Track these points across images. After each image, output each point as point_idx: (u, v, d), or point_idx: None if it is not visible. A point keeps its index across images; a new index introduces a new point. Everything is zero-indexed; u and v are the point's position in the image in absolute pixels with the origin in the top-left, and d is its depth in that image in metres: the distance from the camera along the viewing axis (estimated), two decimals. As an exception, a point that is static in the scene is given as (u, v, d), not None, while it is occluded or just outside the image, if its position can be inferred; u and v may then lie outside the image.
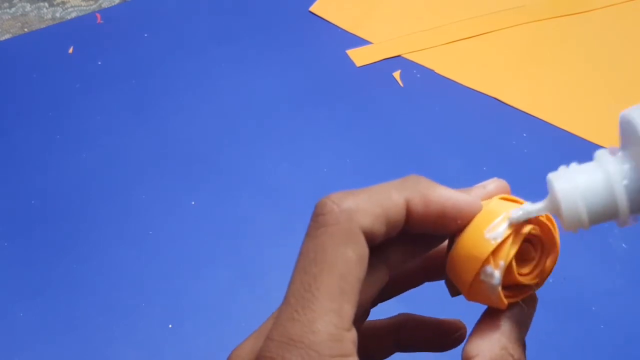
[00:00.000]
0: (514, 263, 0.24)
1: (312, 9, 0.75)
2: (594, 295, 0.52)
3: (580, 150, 0.61)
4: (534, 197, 0.25)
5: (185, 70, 0.70)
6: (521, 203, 0.25)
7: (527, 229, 0.24)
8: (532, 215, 0.24)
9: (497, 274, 0.23)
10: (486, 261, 0.24)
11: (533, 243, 0.25)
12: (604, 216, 0.23)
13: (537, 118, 0.64)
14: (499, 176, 0.27)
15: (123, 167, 0.62)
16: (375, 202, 0.23)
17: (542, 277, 0.25)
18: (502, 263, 0.23)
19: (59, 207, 0.59)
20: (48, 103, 0.67)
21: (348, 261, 0.22)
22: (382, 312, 0.29)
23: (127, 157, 0.63)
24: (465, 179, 0.61)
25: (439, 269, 0.27)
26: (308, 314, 0.21)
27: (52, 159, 0.63)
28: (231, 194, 0.59)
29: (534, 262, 0.25)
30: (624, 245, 0.54)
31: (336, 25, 0.73)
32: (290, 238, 0.56)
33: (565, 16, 0.73)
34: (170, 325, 0.51)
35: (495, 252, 0.23)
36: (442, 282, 0.28)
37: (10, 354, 0.50)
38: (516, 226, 0.24)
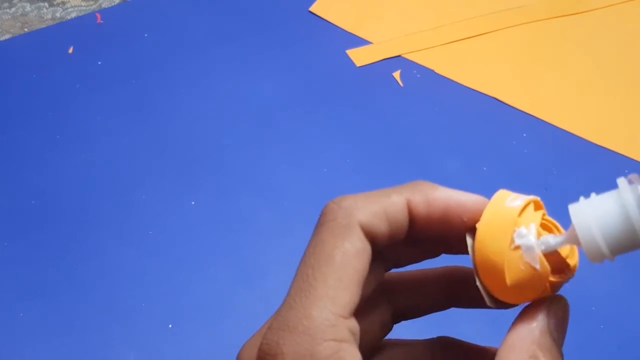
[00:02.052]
0: (542, 231, 0.23)
1: (312, 9, 0.75)
2: (594, 295, 0.52)
3: (581, 150, 0.62)
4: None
5: (185, 70, 0.70)
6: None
7: (537, 205, 0.23)
8: (555, 248, 0.23)
9: (533, 231, 0.22)
10: (516, 224, 0.22)
11: (550, 230, 0.24)
12: (626, 246, 0.22)
13: (537, 118, 0.64)
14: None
15: (123, 167, 0.62)
16: (373, 201, 0.24)
17: (574, 261, 0.23)
18: (532, 225, 0.22)
19: (59, 207, 0.59)
20: (48, 103, 0.67)
21: (345, 253, 0.22)
22: (413, 332, 0.28)
23: (127, 157, 0.63)
24: (465, 179, 0.61)
25: (462, 288, 0.27)
26: (304, 302, 0.22)
27: (52, 159, 0.63)
28: (231, 194, 0.59)
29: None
30: None
31: (336, 25, 0.73)
32: (290, 238, 0.56)
33: (565, 16, 0.73)
34: (170, 325, 0.52)
35: (521, 217, 0.23)
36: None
37: (10, 354, 0.50)
38: (534, 202, 0.23)
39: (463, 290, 0.27)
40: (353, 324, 0.22)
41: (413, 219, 0.24)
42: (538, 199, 0.24)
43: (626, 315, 0.51)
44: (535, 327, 0.22)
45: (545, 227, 0.23)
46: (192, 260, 0.55)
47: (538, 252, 0.22)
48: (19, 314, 0.53)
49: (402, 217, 0.24)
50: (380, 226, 0.23)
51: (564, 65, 0.69)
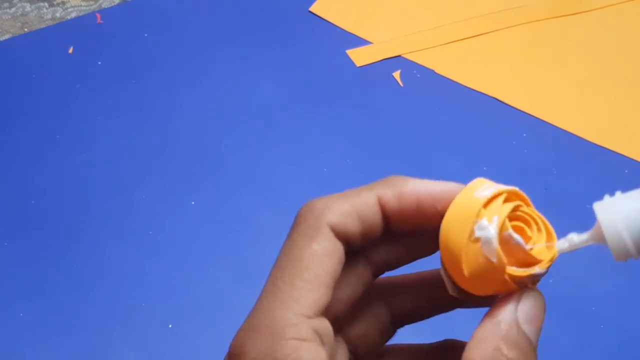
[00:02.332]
0: (508, 224, 0.22)
1: (312, 9, 0.75)
2: (594, 295, 0.52)
3: (581, 150, 0.62)
4: (531, 198, 0.25)
5: (185, 70, 0.70)
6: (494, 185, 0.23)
7: (513, 196, 0.23)
8: (578, 247, 0.23)
9: (493, 226, 0.22)
10: (478, 216, 0.22)
11: (526, 223, 0.23)
12: None
13: (537, 118, 0.64)
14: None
15: (123, 167, 0.62)
16: (344, 200, 0.24)
17: (548, 257, 0.23)
18: (495, 217, 0.22)
19: (59, 207, 0.59)
20: (48, 103, 0.67)
21: (313, 254, 0.23)
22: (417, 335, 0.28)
23: (127, 157, 0.63)
24: (465, 179, 0.61)
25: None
26: (270, 303, 0.22)
27: (52, 159, 0.63)
28: (231, 194, 0.59)
29: (532, 240, 0.23)
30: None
31: (336, 25, 0.73)
32: (290, 238, 0.56)
33: (565, 16, 0.73)
34: (170, 325, 0.52)
35: (487, 207, 0.22)
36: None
37: (10, 354, 0.50)
38: (507, 194, 0.23)
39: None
40: (320, 324, 0.22)
41: (386, 215, 0.24)
42: (516, 189, 0.23)
43: (626, 315, 0.51)
44: (501, 320, 0.22)
45: (519, 219, 0.23)
46: (192, 260, 0.55)
47: (496, 246, 0.22)
48: (19, 314, 0.53)
49: (373, 214, 0.24)
50: (352, 225, 0.24)
51: (564, 65, 0.69)
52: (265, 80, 0.68)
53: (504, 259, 0.22)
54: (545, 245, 0.23)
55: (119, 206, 0.59)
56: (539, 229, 0.23)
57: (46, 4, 0.78)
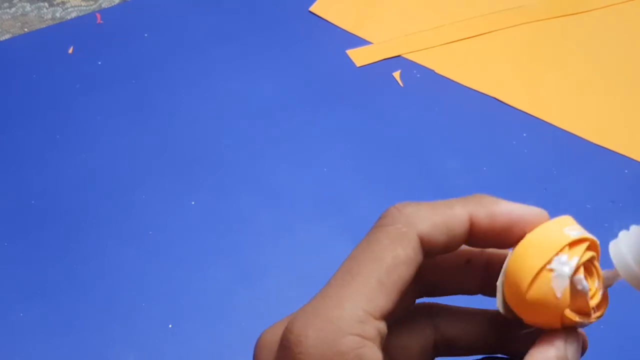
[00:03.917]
0: (582, 270, 0.22)
1: (312, 9, 0.75)
2: (594, 295, 0.52)
3: (581, 150, 0.62)
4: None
5: (185, 70, 0.70)
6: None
7: (593, 246, 0.23)
8: (610, 285, 0.24)
9: (572, 264, 0.22)
10: (562, 250, 0.22)
11: (591, 275, 0.23)
12: None
13: (537, 118, 0.64)
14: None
15: (123, 167, 0.62)
16: (437, 212, 0.23)
17: (598, 313, 0.23)
18: (575, 258, 0.22)
19: (59, 207, 0.59)
20: (48, 103, 0.67)
21: (395, 258, 0.22)
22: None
23: (127, 157, 0.63)
24: (465, 179, 0.61)
25: (506, 335, 0.26)
26: (340, 292, 0.22)
27: (52, 159, 0.63)
28: (231, 194, 0.59)
29: (591, 292, 0.23)
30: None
31: (336, 25, 0.73)
32: (290, 238, 0.56)
33: (565, 16, 0.73)
34: (170, 325, 0.52)
35: (571, 248, 0.23)
36: None
37: (10, 354, 0.50)
38: (591, 242, 0.23)
39: (507, 337, 0.26)
40: (382, 327, 0.22)
41: (474, 232, 0.24)
42: (596, 241, 0.24)
43: (626, 315, 0.51)
44: (553, 351, 0.22)
45: (587, 268, 0.23)
46: (192, 260, 0.55)
47: (566, 284, 0.22)
48: (19, 314, 0.53)
49: (462, 230, 0.24)
50: (439, 238, 0.23)
51: (564, 65, 0.69)
52: (265, 80, 0.68)
53: (568, 299, 0.22)
54: (602, 298, 0.24)
55: (119, 206, 0.59)
56: (599, 287, 0.24)
57: (46, 4, 0.78)
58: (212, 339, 0.51)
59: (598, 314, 0.23)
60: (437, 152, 0.62)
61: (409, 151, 0.62)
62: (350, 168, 0.61)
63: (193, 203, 0.59)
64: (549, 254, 0.22)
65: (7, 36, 0.75)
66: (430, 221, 0.23)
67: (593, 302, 0.23)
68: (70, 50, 0.72)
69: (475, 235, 0.24)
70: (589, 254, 0.23)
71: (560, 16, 0.73)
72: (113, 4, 0.77)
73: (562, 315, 0.22)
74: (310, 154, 0.62)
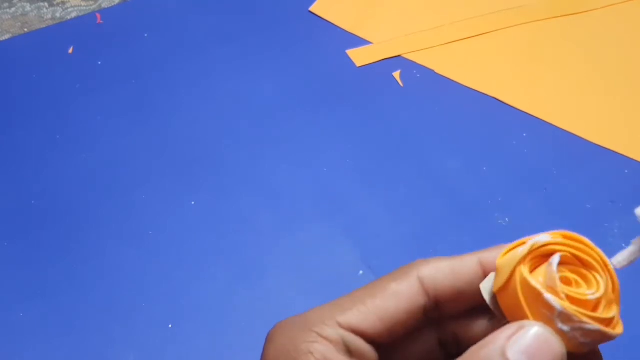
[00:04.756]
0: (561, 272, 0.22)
1: (312, 9, 0.75)
2: (594, 295, 0.52)
3: (581, 150, 0.62)
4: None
5: (185, 70, 0.70)
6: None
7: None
8: (637, 257, 0.24)
9: (544, 237, 0.23)
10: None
11: (587, 282, 0.23)
12: None
13: (537, 118, 0.64)
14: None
15: (123, 167, 0.62)
16: (445, 259, 0.25)
17: (575, 311, 0.22)
18: (545, 235, 0.23)
19: (59, 207, 0.59)
20: (48, 103, 0.67)
21: (385, 289, 0.24)
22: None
23: (127, 157, 0.63)
24: (465, 179, 0.61)
25: None
26: (323, 306, 0.25)
27: (52, 159, 0.63)
28: (231, 194, 0.59)
29: (585, 289, 0.23)
30: (623, 245, 0.54)
31: (336, 25, 0.73)
32: (290, 238, 0.56)
33: (565, 16, 0.73)
34: (170, 325, 0.52)
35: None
36: None
37: (10, 354, 0.50)
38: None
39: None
40: (353, 340, 0.24)
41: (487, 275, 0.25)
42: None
43: (626, 315, 0.51)
44: (487, 342, 0.22)
45: (581, 276, 0.24)
46: (192, 260, 0.55)
47: (554, 269, 0.22)
48: (19, 314, 0.53)
49: (473, 273, 0.25)
50: (444, 281, 0.24)
51: (564, 65, 0.69)
52: (265, 80, 0.68)
53: (522, 254, 0.22)
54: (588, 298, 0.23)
55: (119, 206, 0.59)
56: (605, 308, 0.23)
57: (46, 4, 0.78)
58: (212, 339, 0.51)
59: (594, 317, 0.22)
60: (437, 152, 0.62)
61: (409, 151, 0.62)
62: (350, 168, 0.61)
63: (193, 203, 0.59)
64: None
65: (7, 36, 0.75)
66: (432, 264, 0.25)
67: (565, 288, 0.22)
68: (70, 50, 0.72)
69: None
70: (569, 244, 0.23)
71: (560, 16, 0.73)
72: (113, 4, 0.77)
73: (518, 273, 0.22)
74: (310, 154, 0.62)
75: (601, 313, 0.23)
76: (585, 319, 0.22)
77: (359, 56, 0.70)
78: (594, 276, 0.23)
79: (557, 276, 0.22)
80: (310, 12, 0.75)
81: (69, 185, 0.61)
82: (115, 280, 0.54)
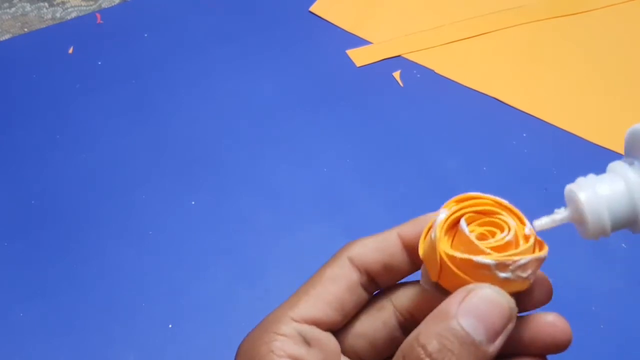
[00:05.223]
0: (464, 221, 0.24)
1: (312, 9, 0.75)
2: (594, 295, 0.52)
3: (580, 150, 0.62)
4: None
5: (185, 70, 0.70)
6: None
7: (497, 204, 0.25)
8: (556, 224, 0.25)
9: (444, 212, 0.25)
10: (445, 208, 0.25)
11: (500, 229, 0.25)
12: (624, 223, 0.24)
13: (537, 118, 0.64)
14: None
15: (123, 167, 0.62)
16: (369, 238, 0.28)
17: (505, 257, 0.23)
18: (446, 211, 0.25)
19: (59, 207, 0.59)
20: (48, 103, 0.67)
21: (322, 276, 0.27)
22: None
23: (127, 157, 0.63)
24: (465, 179, 0.61)
25: None
26: (276, 309, 0.27)
27: (52, 159, 0.63)
28: (231, 194, 0.59)
29: (495, 239, 0.24)
30: (623, 245, 0.54)
31: (336, 25, 0.73)
32: (290, 238, 0.56)
33: (565, 16, 0.73)
34: (170, 325, 0.52)
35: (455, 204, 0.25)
36: None
37: (10, 354, 0.50)
38: (485, 200, 0.26)
39: None
40: (309, 330, 0.26)
41: (408, 245, 0.27)
42: (501, 201, 0.26)
43: (626, 315, 0.51)
44: (439, 310, 0.23)
45: (495, 225, 0.25)
46: (192, 260, 0.55)
47: (437, 224, 0.24)
48: (19, 314, 0.53)
49: (394, 247, 0.27)
50: (372, 256, 0.27)
51: (564, 65, 0.69)
52: (265, 80, 0.68)
53: (439, 235, 0.24)
54: (503, 242, 0.24)
55: (119, 206, 0.59)
56: (524, 242, 0.24)
57: (46, 4, 0.78)
58: (212, 339, 0.51)
59: (509, 254, 0.23)
60: (437, 152, 0.62)
61: (409, 151, 0.62)
62: (350, 168, 0.61)
63: (193, 203, 0.59)
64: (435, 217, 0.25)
65: (7, 36, 0.75)
66: (359, 244, 0.27)
67: (493, 243, 0.24)
68: (70, 50, 0.72)
69: (412, 248, 0.27)
70: (468, 202, 0.25)
71: (560, 16, 0.73)
72: (113, 4, 0.77)
73: (445, 255, 0.24)
74: (310, 154, 0.62)
75: (524, 244, 0.24)
76: (516, 258, 0.23)
77: (359, 56, 0.70)
78: (499, 219, 0.25)
79: (473, 238, 0.24)
80: (310, 12, 0.75)
81: (69, 185, 0.61)
82: (115, 280, 0.54)
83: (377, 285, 0.27)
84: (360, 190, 0.59)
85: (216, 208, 0.58)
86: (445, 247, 0.24)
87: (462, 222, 0.24)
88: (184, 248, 0.56)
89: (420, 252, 0.25)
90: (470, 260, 0.23)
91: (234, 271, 0.54)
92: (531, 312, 0.26)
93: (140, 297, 0.53)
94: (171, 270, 0.55)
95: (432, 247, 0.24)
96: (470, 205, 0.25)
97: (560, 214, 0.25)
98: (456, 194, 0.26)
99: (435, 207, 0.61)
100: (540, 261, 0.24)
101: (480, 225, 0.25)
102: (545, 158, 0.61)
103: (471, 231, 0.24)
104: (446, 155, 0.61)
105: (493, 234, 0.24)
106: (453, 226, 0.25)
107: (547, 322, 0.25)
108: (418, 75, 0.68)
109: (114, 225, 0.58)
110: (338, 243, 0.58)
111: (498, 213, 0.25)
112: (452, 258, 0.24)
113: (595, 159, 0.61)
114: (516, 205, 0.26)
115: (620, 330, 0.50)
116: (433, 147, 0.62)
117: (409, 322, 0.27)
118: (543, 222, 0.25)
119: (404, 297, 0.27)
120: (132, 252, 0.56)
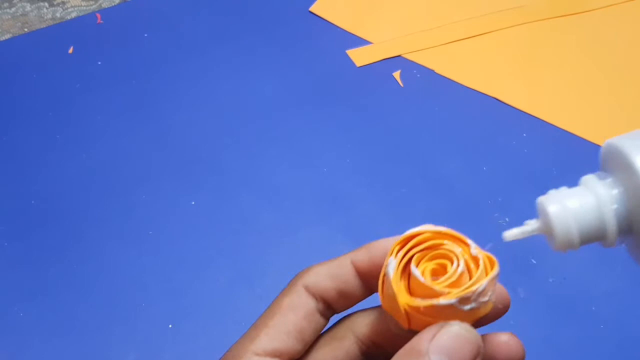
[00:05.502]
0: (414, 264, 0.24)
1: (312, 9, 0.75)
2: (594, 295, 0.52)
3: (580, 150, 0.62)
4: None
5: (185, 70, 0.70)
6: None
7: (438, 235, 0.25)
8: (526, 236, 0.25)
9: (396, 261, 0.24)
10: (392, 254, 0.25)
11: (450, 260, 0.25)
12: (593, 238, 0.25)
13: (537, 118, 0.64)
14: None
15: (123, 167, 0.62)
16: (322, 265, 0.27)
17: (464, 291, 0.24)
18: (400, 253, 0.25)
19: (59, 207, 0.59)
20: (48, 103, 0.67)
21: (280, 306, 0.27)
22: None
23: (127, 157, 0.63)
24: (465, 179, 0.61)
25: None
26: (236, 343, 0.28)
27: (52, 159, 0.63)
28: (231, 194, 0.59)
29: (447, 275, 0.24)
30: (623, 245, 0.54)
31: (336, 25, 0.73)
32: (290, 238, 0.56)
33: (565, 16, 0.73)
34: (170, 325, 0.52)
35: (402, 246, 0.25)
36: None
37: (10, 354, 0.50)
38: (430, 234, 0.25)
39: None
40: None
41: (362, 273, 0.27)
42: (444, 230, 0.25)
43: (626, 315, 0.51)
44: (411, 347, 0.23)
45: (445, 257, 0.25)
46: (192, 260, 0.55)
47: (391, 276, 0.24)
48: (19, 314, 0.53)
49: (347, 273, 0.27)
50: (326, 284, 0.27)
51: (564, 65, 0.69)
52: (265, 80, 0.68)
53: (397, 289, 0.24)
54: (453, 278, 0.24)
55: (119, 206, 0.59)
56: (475, 266, 0.24)
57: (46, 4, 0.78)
58: (212, 339, 0.51)
59: (462, 290, 0.24)
60: (437, 152, 0.62)
61: (408, 151, 0.62)
62: (350, 168, 0.61)
63: (193, 203, 0.59)
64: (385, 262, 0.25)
65: (7, 36, 0.75)
66: (313, 272, 0.27)
67: (445, 281, 0.24)
68: (70, 50, 0.72)
69: (365, 274, 0.27)
70: (400, 249, 0.25)
71: (560, 16, 0.73)
72: (113, 4, 0.77)
73: (406, 306, 0.24)
74: (310, 154, 0.62)
75: (476, 270, 0.24)
76: (474, 287, 0.24)
77: (359, 56, 0.70)
78: (445, 250, 0.25)
79: (429, 283, 0.24)
80: (310, 12, 0.75)
81: (69, 185, 0.61)
82: (115, 280, 0.54)
83: (333, 310, 0.28)
84: (360, 190, 0.59)
85: (216, 208, 0.58)
86: (405, 299, 0.24)
87: (414, 269, 0.24)
88: (184, 248, 0.56)
89: (382, 303, 0.25)
90: (434, 306, 0.24)
91: (234, 271, 0.54)
92: (487, 332, 0.26)
93: (140, 297, 0.53)
94: (171, 270, 0.55)
95: (393, 299, 0.24)
96: (413, 246, 0.25)
97: (530, 226, 0.25)
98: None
99: (435, 207, 0.61)
100: (495, 278, 0.24)
101: (430, 259, 0.25)
102: (545, 158, 0.61)
103: (423, 270, 0.24)
104: (446, 155, 0.61)
105: (444, 267, 0.24)
106: (404, 268, 0.25)
107: (502, 341, 0.26)
108: (418, 75, 0.68)
109: (114, 225, 0.58)
110: (338, 243, 0.58)
111: (441, 244, 0.25)
112: (417, 308, 0.24)
113: (595, 159, 0.61)
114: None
115: (620, 330, 0.50)
116: (433, 147, 0.62)
117: (371, 349, 0.28)
118: (513, 233, 0.25)
119: (362, 325, 0.27)
120: (132, 252, 0.56)
